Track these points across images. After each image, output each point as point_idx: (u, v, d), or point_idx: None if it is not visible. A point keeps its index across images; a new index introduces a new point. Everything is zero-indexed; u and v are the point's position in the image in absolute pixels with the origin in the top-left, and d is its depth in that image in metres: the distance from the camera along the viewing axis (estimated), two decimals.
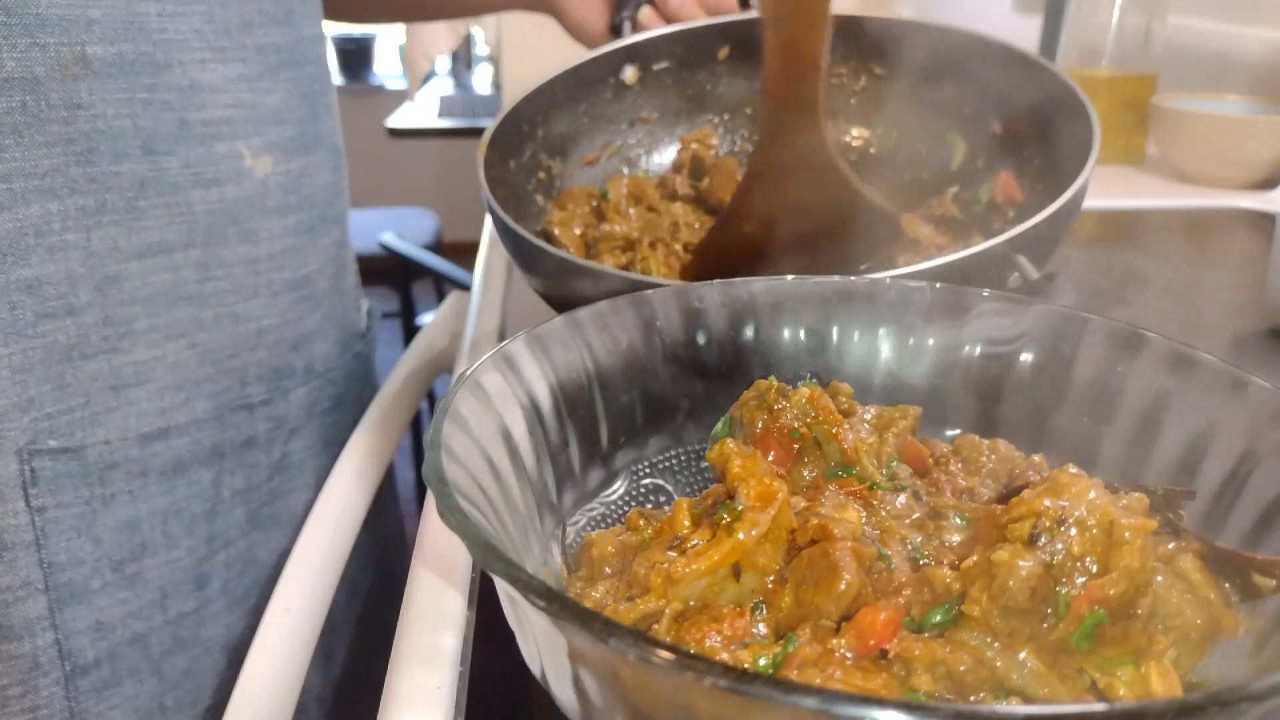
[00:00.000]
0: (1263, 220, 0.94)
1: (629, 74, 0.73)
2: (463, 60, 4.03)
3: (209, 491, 0.60)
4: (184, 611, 0.60)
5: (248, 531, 0.63)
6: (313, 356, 0.67)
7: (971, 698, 0.28)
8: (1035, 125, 0.67)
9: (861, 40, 0.72)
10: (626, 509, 0.41)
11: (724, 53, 0.74)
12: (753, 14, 0.74)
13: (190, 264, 0.57)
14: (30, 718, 0.54)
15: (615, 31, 0.78)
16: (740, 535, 0.31)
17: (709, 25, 0.74)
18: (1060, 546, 0.28)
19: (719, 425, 0.40)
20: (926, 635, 0.29)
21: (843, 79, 0.75)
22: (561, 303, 0.56)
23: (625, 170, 0.74)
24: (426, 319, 0.84)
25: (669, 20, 0.76)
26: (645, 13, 0.77)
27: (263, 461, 0.64)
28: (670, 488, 0.43)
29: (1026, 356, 0.42)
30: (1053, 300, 0.48)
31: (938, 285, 0.44)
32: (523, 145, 0.68)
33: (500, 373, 0.36)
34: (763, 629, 0.31)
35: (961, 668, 0.28)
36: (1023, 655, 0.28)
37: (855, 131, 0.69)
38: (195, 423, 0.58)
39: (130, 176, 0.53)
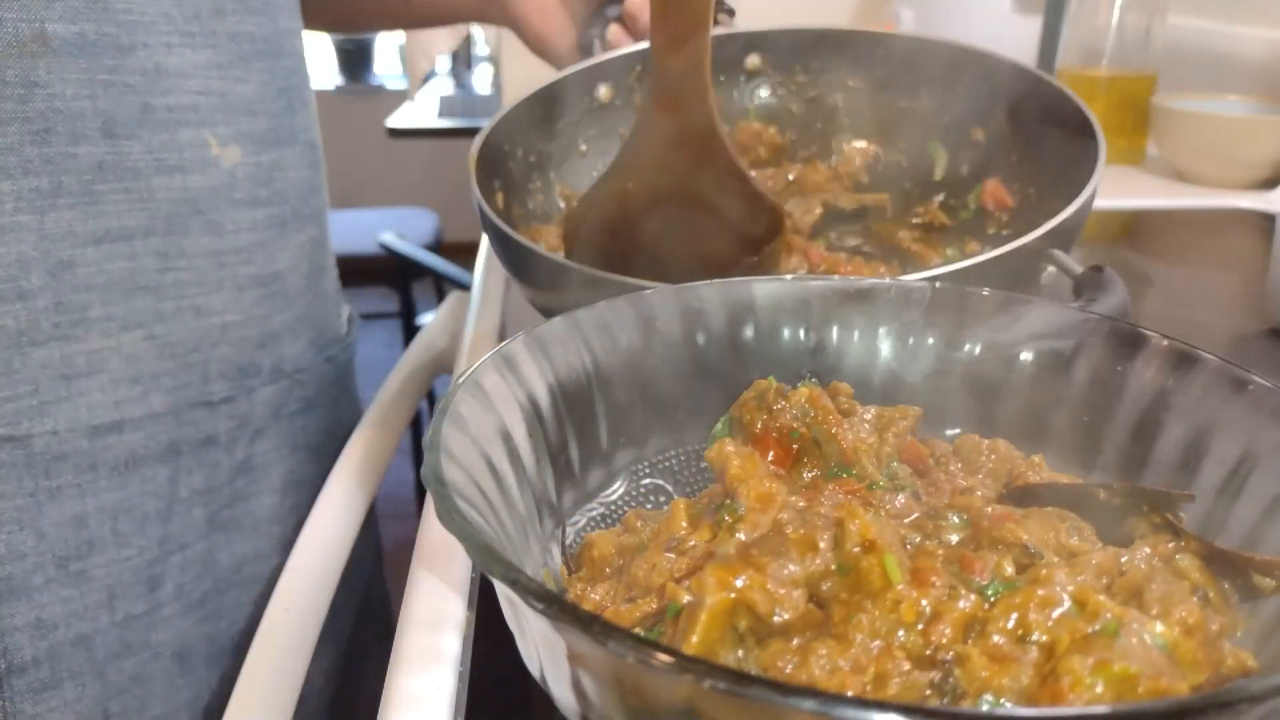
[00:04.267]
0: (1263, 220, 0.94)
1: (603, 92, 0.73)
2: (463, 60, 4.03)
3: (164, 490, 0.58)
4: (133, 614, 0.58)
5: (207, 534, 0.61)
6: (281, 356, 0.65)
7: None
8: (1019, 129, 0.68)
9: (835, 53, 0.73)
10: (626, 509, 0.41)
11: None
12: (721, 31, 0.75)
13: (150, 252, 0.55)
14: None
15: (584, 50, 0.77)
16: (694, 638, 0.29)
17: None
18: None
19: (719, 425, 0.40)
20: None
21: (819, 93, 0.76)
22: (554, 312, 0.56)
23: None
24: (426, 319, 0.84)
25: (637, 38, 0.76)
26: (614, 30, 0.76)
27: (224, 462, 0.62)
28: (670, 488, 0.43)
29: (1026, 356, 0.42)
30: (1105, 294, 0.48)
31: (937, 285, 0.44)
32: (506, 164, 0.68)
33: (500, 373, 0.36)
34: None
35: None
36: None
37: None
38: (150, 417, 0.57)
39: (88, 159, 0.51)
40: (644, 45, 0.73)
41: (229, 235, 0.59)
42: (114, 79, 0.52)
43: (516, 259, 0.57)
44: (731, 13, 0.80)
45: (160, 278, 0.56)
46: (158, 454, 0.58)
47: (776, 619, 0.29)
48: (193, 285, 0.58)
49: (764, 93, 0.76)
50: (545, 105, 0.69)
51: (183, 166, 0.56)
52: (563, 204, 0.72)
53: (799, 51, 0.75)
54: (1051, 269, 0.54)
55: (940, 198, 0.72)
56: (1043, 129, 0.66)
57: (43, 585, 0.54)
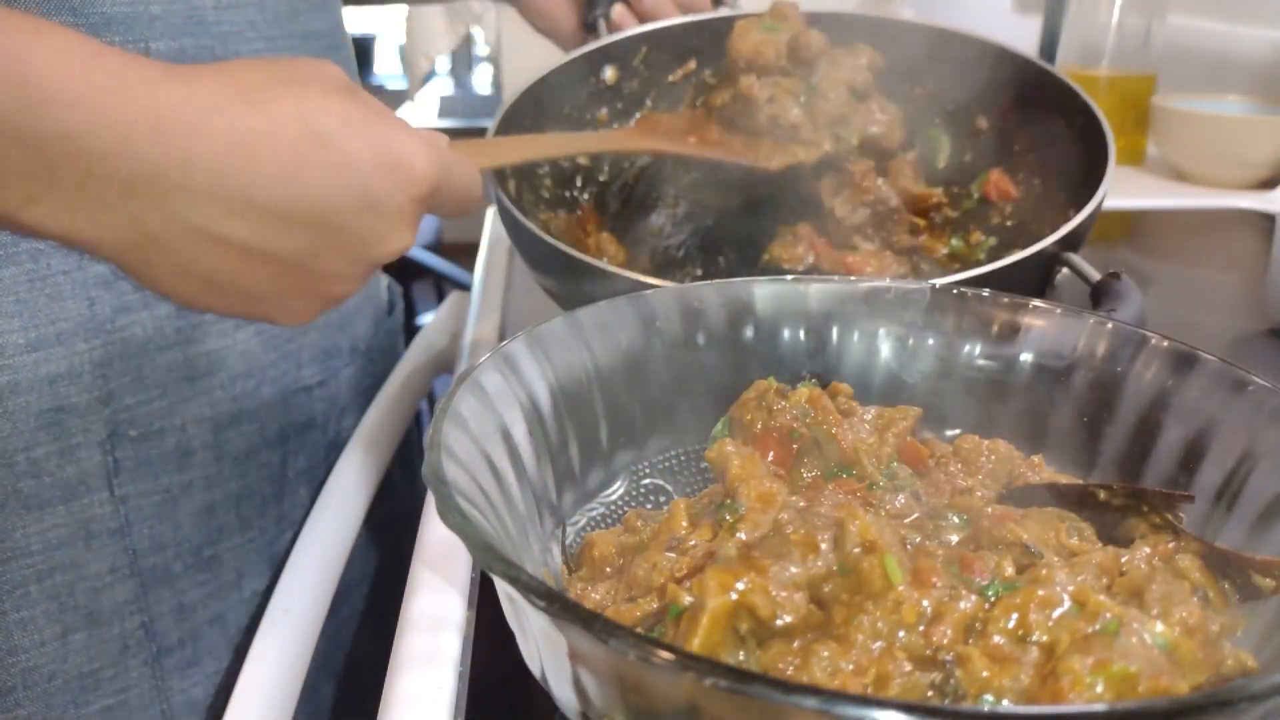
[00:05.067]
0: (1263, 220, 0.94)
1: (609, 74, 0.73)
2: (463, 60, 4.03)
3: (277, 473, 0.63)
4: (258, 590, 0.63)
5: (311, 510, 0.65)
6: (356, 336, 0.69)
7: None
8: (1024, 121, 0.68)
9: (839, 37, 0.73)
10: (626, 509, 0.41)
11: (691, 64, 0.74)
12: (726, 12, 0.74)
13: None
14: (121, 698, 0.56)
15: (590, 29, 0.77)
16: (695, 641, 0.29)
17: (684, 24, 0.74)
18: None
19: (719, 425, 0.40)
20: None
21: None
22: (568, 301, 0.56)
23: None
24: (426, 319, 0.84)
25: (642, 19, 0.76)
26: (618, 10, 0.76)
27: (320, 441, 0.66)
28: (670, 488, 0.43)
29: (1026, 357, 0.42)
30: (1123, 303, 0.48)
31: (937, 286, 0.44)
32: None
33: (500, 373, 0.36)
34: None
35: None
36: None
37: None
38: (263, 407, 0.61)
39: None
40: (649, 26, 0.73)
41: None
42: None
43: (527, 244, 0.58)
44: None
45: None
46: (271, 441, 0.62)
47: (778, 622, 0.29)
48: None
49: None
50: (552, 88, 0.70)
51: None
52: (579, 190, 0.72)
53: None
54: (1065, 270, 0.54)
55: (942, 186, 0.71)
56: (1048, 123, 0.65)
57: (182, 573, 0.58)
